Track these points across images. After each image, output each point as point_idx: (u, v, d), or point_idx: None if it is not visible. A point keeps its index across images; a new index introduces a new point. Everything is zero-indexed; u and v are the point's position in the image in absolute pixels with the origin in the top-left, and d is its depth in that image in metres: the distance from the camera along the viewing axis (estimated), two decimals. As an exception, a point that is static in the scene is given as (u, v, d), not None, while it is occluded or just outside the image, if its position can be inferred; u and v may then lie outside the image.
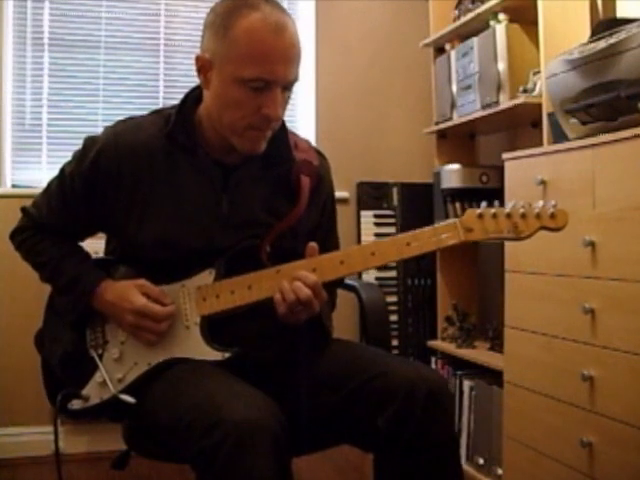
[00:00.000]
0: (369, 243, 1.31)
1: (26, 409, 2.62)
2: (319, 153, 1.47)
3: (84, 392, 1.33)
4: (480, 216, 1.22)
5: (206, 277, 1.31)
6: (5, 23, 2.74)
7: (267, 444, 1.06)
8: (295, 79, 1.26)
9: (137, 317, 1.29)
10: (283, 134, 1.36)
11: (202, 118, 1.32)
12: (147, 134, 1.33)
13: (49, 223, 1.42)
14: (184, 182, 1.33)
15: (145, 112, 1.42)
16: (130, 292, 1.31)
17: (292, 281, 1.23)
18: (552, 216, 1.22)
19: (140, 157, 1.32)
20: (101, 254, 1.50)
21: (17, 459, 2.58)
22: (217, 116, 1.28)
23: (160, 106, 2.81)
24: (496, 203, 1.24)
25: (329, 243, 1.42)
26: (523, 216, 1.21)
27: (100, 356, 1.34)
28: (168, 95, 2.92)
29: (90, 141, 1.36)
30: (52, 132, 2.82)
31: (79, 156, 1.37)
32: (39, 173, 2.78)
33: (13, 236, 1.47)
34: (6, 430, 2.63)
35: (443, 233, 1.22)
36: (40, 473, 2.46)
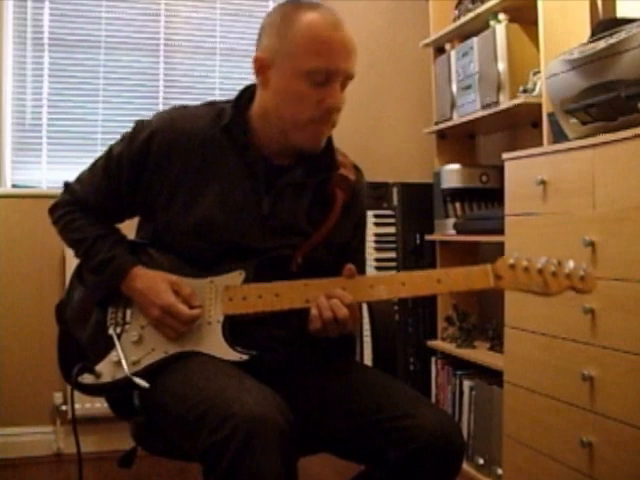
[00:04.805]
0: (401, 273, 1.35)
1: (26, 409, 2.63)
2: (357, 169, 1.48)
3: (97, 368, 1.32)
4: (512, 266, 1.25)
5: (236, 277, 1.32)
6: (5, 23, 2.74)
7: (275, 440, 1.07)
8: (353, 74, 1.32)
9: (162, 313, 1.30)
10: (329, 142, 1.38)
11: (255, 117, 1.35)
12: (203, 123, 1.36)
13: (90, 200, 1.42)
14: (231, 176, 1.35)
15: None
16: (161, 286, 1.32)
17: (329, 298, 1.24)
18: (582, 279, 1.24)
19: (194, 143, 1.34)
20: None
21: (17, 459, 2.59)
22: (277, 113, 1.30)
23: (160, 106, 2.85)
24: (526, 260, 1.25)
25: (355, 263, 1.42)
26: (554, 274, 1.24)
27: (119, 336, 1.34)
28: (168, 95, 2.89)
29: (142, 124, 1.38)
30: (52, 132, 2.79)
31: (129, 137, 1.39)
32: (39, 173, 2.75)
33: (52, 210, 1.47)
34: (6, 430, 2.63)
35: (474, 276, 1.26)
36: (40, 473, 2.46)
